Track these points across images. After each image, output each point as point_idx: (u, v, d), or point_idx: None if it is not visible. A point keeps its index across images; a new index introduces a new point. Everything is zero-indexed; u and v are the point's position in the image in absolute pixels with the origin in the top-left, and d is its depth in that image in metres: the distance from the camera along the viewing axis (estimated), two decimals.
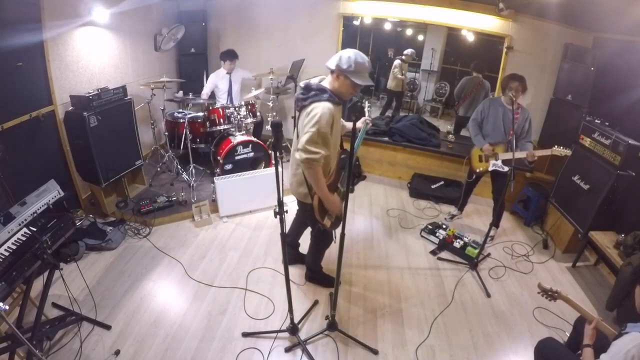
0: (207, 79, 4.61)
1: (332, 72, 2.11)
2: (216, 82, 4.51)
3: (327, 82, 2.16)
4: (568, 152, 3.11)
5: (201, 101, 4.37)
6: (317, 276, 2.93)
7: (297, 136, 2.20)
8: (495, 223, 3.50)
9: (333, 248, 3.32)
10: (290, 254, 3.01)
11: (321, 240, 2.69)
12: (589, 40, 4.02)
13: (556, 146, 3.11)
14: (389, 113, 6.84)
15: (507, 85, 3.17)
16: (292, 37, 5.03)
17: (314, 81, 2.16)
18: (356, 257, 3.32)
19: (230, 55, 4.38)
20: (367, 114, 2.63)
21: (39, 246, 1.94)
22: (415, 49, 7.47)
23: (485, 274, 3.18)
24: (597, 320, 1.80)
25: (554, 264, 3.40)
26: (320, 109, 2.02)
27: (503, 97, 3.29)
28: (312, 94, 2.09)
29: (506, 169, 3.29)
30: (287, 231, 2.95)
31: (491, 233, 3.38)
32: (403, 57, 6.46)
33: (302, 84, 2.20)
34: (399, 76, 6.48)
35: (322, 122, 2.01)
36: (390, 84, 6.69)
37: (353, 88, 2.12)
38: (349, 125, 2.40)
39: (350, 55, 2.04)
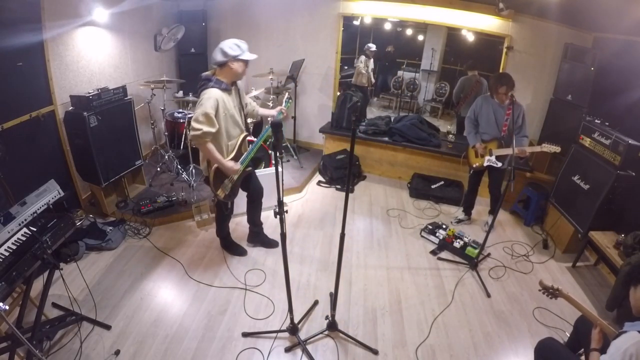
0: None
1: (223, 63, 2.42)
2: None
3: (217, 73, 2.48)
4: (557, 148, 3.05)
5: None
6: (224, 243, 3.26)
7: None
8: (492, 212, 3.48)
9: (333, 248, 3.35)
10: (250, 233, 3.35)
11: (219, 212, 3.03)
12: (589, 40, 4.02)
13: (546, 143, 3.08)
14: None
15: (495, 89, 3.22)
16: (292, 37, 5.03)
17: (204, 74, 2.51)
18: (356, 257, 3.32)
19: None
20: (284, 104, 2.93)
21: (39, 246, 1.94)
22: (415, 49, 7.50)
23: (485, 274, 3.18)
24: (600, 322, 1.76)
25: (554, 264, 3.40)
26: (206, 94, 2.40)
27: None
28: (202, 83, 2.46)
29: (500, 164, 3.34)
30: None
31: (488, 221, 3.36)
32: (366, 51, 6.42)
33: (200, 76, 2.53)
34: (362, 71, 6.45)
35: (206, 104, 2.36)
36: (355, 79, 6.60)
37: (245, 66, 2.51)
38: (268, 112, 2.94)
39: (229, 44, 2.40)
